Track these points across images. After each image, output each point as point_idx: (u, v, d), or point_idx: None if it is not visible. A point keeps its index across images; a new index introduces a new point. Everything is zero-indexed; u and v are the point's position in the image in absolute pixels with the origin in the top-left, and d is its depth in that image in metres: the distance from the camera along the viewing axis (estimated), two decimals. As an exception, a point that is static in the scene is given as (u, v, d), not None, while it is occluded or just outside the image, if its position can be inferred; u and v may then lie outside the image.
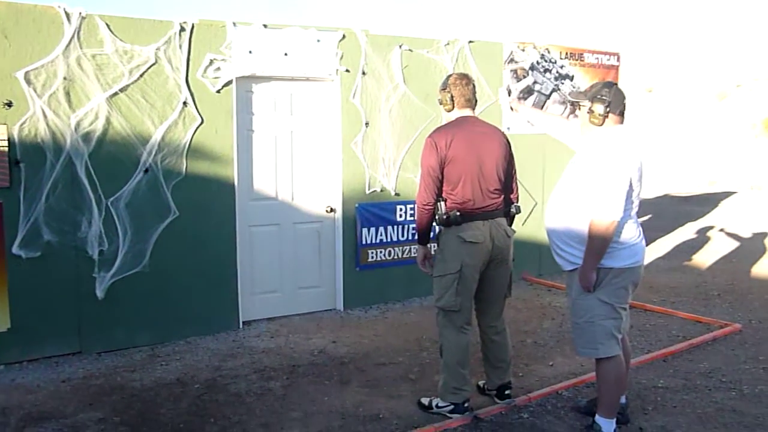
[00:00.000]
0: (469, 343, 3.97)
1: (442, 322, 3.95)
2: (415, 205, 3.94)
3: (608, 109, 3.49)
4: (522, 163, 7.07)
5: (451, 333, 3.91)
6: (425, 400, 4.06)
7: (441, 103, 4.02)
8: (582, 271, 3.48)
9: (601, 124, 3.53)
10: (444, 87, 3.97)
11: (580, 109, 3.65)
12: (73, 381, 4.52)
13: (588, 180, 3.44)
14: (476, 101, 4.04)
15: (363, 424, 3.88)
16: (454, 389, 3.90)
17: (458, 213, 3.81)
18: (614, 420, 3.59)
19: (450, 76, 4.01)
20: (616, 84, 3.63)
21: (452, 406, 3.90)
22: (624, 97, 3.57)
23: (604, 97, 3.50)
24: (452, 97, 3.93)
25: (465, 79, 3.97)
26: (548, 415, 3.98)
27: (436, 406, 3.96)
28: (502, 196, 4.00)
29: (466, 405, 3.92)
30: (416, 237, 4.06)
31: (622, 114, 3.55)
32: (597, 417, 3.59)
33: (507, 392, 4.11)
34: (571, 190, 3.57)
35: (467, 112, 3.98)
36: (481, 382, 4.29)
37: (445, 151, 3.80)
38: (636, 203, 3.53)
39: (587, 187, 3.44)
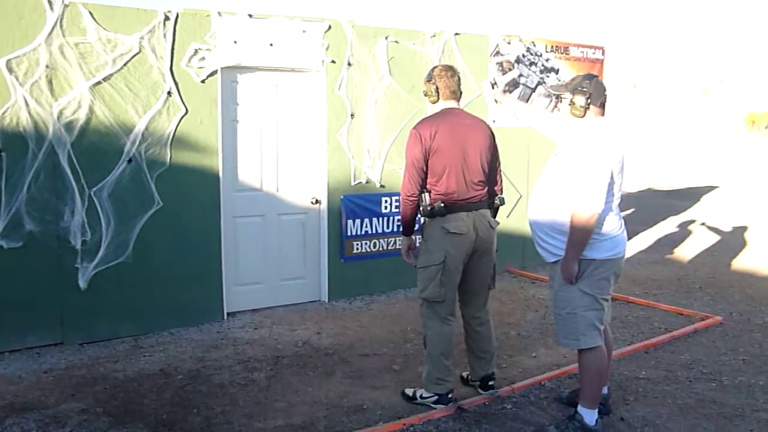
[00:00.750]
0: (453, 334, 3.99)
1: (426, 313, 3.97)
2: (400, 197, 3.94)
3: (589, 101, 3.51)
4: (507, 156, 7.11)
5: (435, 324, 3.93)
6: (409, 391, 4.07)
7: (426, 95, 4.01)
8: (564, 263, 3.50)
9: (583, 116, 3.55)
10: (429, 78, 3.97)
11: (561, 101, 3.67)
12: (55, 372, 4.49)
13: (570, 172, 3.46)
14: (461, 93, 4.05)
15: (347, 415, 3.89)
16: (437, 380, 3.91)
17: (442, 204, 3.82)
18: (596, 411, 3.60)
19: (435, 67, 4.00)
20: (597, 76, 3.66)
21: (436, 397, 3.92)
22: (604, 89, 3.58)
23: (584, 89, 3.52)
24: (437, 88, 3.93)
25: (450, 70, 3.97)
26: (531, 405, 4.01)
27: (420, 396, 3.97)
28: (486, 188, 4.01)
29: (449, 396, 3.94)
30: (401, 228, 4.06)
31: (603, 106, 3.57)
32: (579, 407, 3.61)
33: (491, 383, 4.13)
34: (553, 182, 3.59)
35: (452, 103, 3.98)
36: (464, 373, 4.31)
37: (429, 143, 3.80)
38: (617, 195, 3.55)
39: (569, 180, 3.46)
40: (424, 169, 3.85)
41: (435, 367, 3.92)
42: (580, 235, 3.40)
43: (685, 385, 4.30)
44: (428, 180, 3.87)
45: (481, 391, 4.13)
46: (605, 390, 3.87)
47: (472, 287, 4.06)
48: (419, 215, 3.94)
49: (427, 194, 3.86)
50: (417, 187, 3.86)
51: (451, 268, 3.85)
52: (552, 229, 3.57)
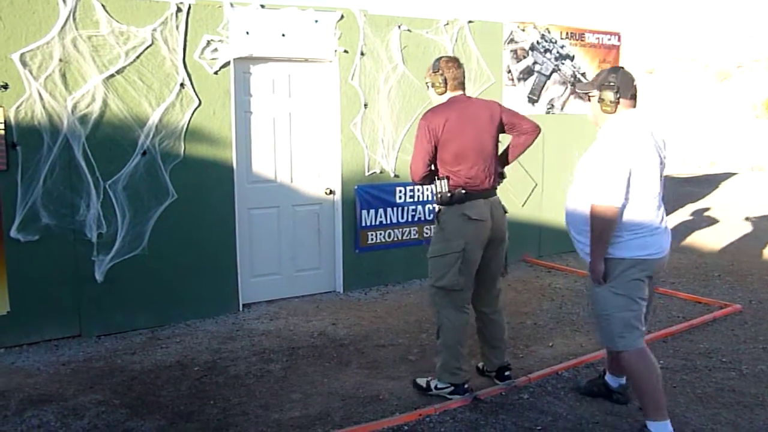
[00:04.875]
0: (468, 324, 3.97)
1: (440, 302, 3.94)
2: (410, 172, 3.93)
3: (618, 95, 3.36)
4: (522, 144, 7.08)
5: (451, 312, 3.90)
6: (422, 381, 4.06)
7: (433, 86, 3.96)
8: (590, 262, 3.38)
9: (614, 111, 3.39)
10: (436, 69, 3.93)
11: (590, 100, 3.52)
12: (73, 364, 4.52)
13: (592, 167, 3.35)
14: (464, 86, 4.02)
15: (363, 406, 3.88)
16: (454, 369, 3.89)
17: (463, 191, 3.80)
18: (667, 421, 3.34)
19: (440, 59, 3.96)
20: (623, 68, 3.49)
21: (452, 387, 3.90)
22: (633, 80, 3.43)
23: (612, 83, 3.37)
24: (445, 80, 3.90)
25: (456, 62, 3.96)
26: (548, 395, 3.98)
27: (435, 387, 3.95)
28: (497, 174, 4.00)
29: (465, 386, 3.92)
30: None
31: (634, 97, 3.41)
32: (647, 423, 3.36)
33: (507, 373, 4.11)
34: (582, 179, 3.46)
35: (459, 93, 3.96)
36: (480, 364, 4.29)
37: (439, 133, 3.78)
38: (651, 191, 3.33)
39: (591, 175, 3.35)
40: (432, 157, 3.83)
41: (452, 356, 3.89)
42: (599, 230, 3.28)
43: (704, 374, 4.25)
44: (447, 167, 3.84)
45: (498, 382, 4.11)
46: (624, 380, 3.80)
47: (487, 276, 4.04)
48: (435, 203, 3.91)
49: (445, 181, 3.82)
50: (425, 167, 3.86)
51: (471, 256, 3.83)
52: (583, 226, 3.41)
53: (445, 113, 3.83)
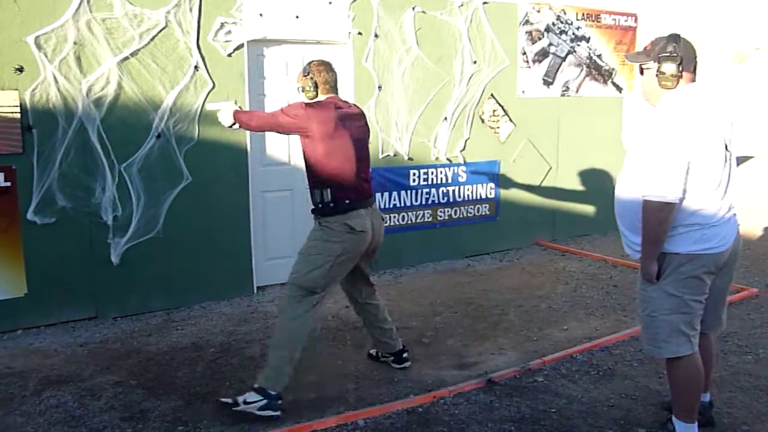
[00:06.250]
0: (314, 332, 3.75)
1: (293, 299, 3.63)
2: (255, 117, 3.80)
3: (681, 67, 2.93)
4: (536, 126, 7.05)
5: (300, 312, 3.61)
6: (226, 399, 3.62)
7: (303, 90, 3.74)
8: (641, 260, 3.01)
9: (675, 86, 2.95)
10: (306, 73, 3.73)
11: (643, 73, 3.07)
12: (89, 345, 4.57)
13: (646, 152, 2.95)
14: (338, 90, 3.84)
15: (377, 388, 3.90)
16: (284, 374, 3.56)
17: (347, 201, 3.62)
18: (695, 425, 3.09)
19: (311, 62, 3.77)
20: (681, 36, 3.00)
21: (264, 401, 3.48)
22: (694, 50, 2.99)
23: (674, 54, 2.92)
24: (316, 83, 3.70)
25: (327, 65, 3.77)
26: (562, 378, 3.98)
27: (245, 401, 3.50)
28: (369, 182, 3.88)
29: (279, 402, 3.53)
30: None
31: (695, 70, 3.00)
32: (674, 418, 3.14)
33: (405, 355, 4.12)
34: (635, 165, 3.04)
35: (331, 96, 3.77)
36: (372, 351, 4.28)
37: (310, 124, 3.56)
38: (714, 180, 2.92)
39: (644, 163, 2.95)
40: (284, 127, 3.64)
41: (286, 359, 3.56)
42: (652, 227, 2.89)
43: (719, 358, 4.23)
44: (325, 175, 3.63)
45: (396, 366, 4.10)
46: (707, 397, 3.38)
47: (359, 277, 4.04)
48: (315, 212, 3.72)
49: (327, 190, 3.62)
50: (265, 124, 3.73)
51: (343, 265, 3.68)
52: (637, 222, 3.00)
53: (324, 112, 3.62)
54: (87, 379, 4.03)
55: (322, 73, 3.73)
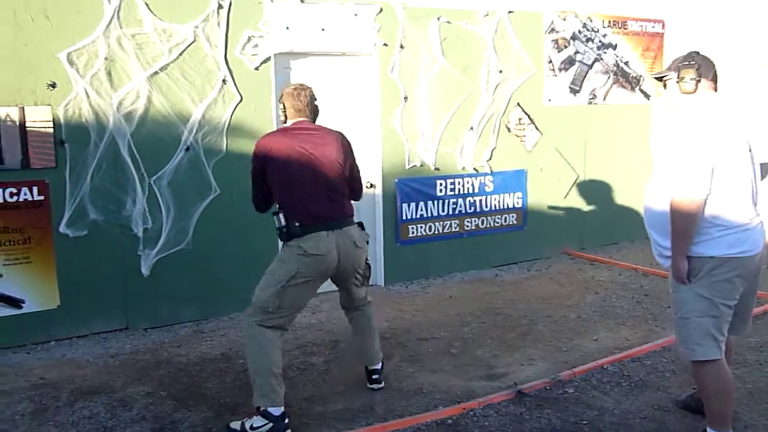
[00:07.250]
0: (278, 345, 3.60)
1: (247, 316, 3.62)
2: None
3: (699, 72, 3.09)
4: (563, 135, 7.01)
5: (253, 332, 3.55)
6: (236, 425, 3.54)
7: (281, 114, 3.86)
8: (672, 260, 3.09)
9: (695, 91, 3.11)
10: (279, 98, 3.86)
11: (666, 86, 3.25)
12: (120, 356, 4.62)
13: (672, 157, 3.05)
14: (315, 110, 3.85)
15: (406, 399, 3.88)
16: (269, 391, 3.47)
17: (297, 224, 3.57)
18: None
19: (286, 87, 3.85)
20: (700, 52, 3.22)
21: (270, 425, 3.43)
22: (713, 63, 3.17)
23: (692, 63, 3.12)
24: (284, 108, 3.79)
25: (297, 89, 3.78)
26: (593, 389, 3.93)
27: (251, 427, 3.44)
28: (349, 203, 3.84)
29: (286, 421, 3.48)
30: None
31: (715, 80, 3.15)
32: (708, 429, 3.15)
33: (374, 377, 4.04)
34: (663, 172, 3.14)
35: (301, 119, 3.79)
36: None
37: (266, 158, 3.61)
38: (742, 182, 3.03)
39: (673, 166, 3.04)
40: (264, 184, 3.69)
41: (264, 377, 3.49)
42: (680, 225, 2.98)
43: (755, 368, 4.15)
44: (279, 199, 3.66)
45: (368, 385, 4.03)
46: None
47: (349, 291, 3.97)
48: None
49: (281, 215, 3.62)
50: (261, 201, 3.79)
51: (298, 287, 3.58)
52: (667, 227, 3.08)
53: (275, 138, 3.72)
54: (118, 389, 4.07)
55: (290, 98, 3.79)
